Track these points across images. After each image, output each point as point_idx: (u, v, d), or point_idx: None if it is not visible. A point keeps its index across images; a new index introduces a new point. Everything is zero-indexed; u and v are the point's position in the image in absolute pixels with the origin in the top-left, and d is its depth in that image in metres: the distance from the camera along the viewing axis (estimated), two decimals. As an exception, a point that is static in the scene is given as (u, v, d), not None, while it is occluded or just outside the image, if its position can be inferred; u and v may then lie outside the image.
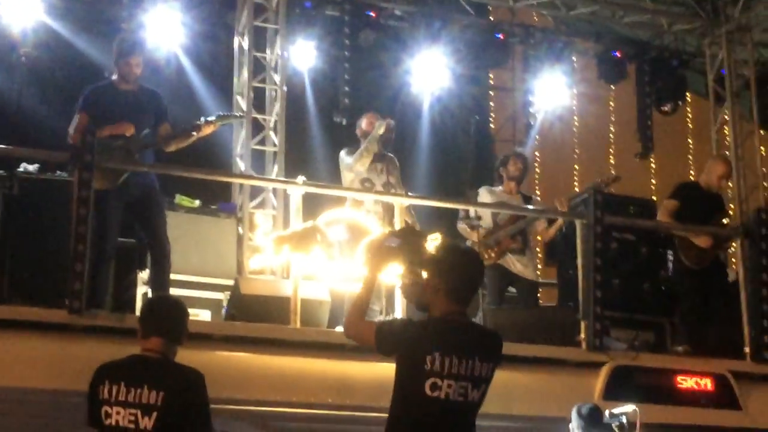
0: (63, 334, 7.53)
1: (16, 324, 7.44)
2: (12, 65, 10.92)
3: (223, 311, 9.06)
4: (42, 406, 7.21)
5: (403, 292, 5.41)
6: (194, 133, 8.53)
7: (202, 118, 8.62)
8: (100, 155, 8.02)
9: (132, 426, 5.10)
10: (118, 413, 5.12)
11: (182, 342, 5.44)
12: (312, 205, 9.35)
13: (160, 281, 8.41)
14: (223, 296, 9.26)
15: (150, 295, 8.67)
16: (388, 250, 5.21)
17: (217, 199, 10.71)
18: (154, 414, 5.10)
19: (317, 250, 8.78)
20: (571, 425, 7.64)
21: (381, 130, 9.88)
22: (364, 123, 10.21)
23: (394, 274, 5.78)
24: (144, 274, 9.21)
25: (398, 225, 9.03)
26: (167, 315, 5.46)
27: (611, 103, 17.04)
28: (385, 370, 5.13)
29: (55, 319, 7.52)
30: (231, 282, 9.40)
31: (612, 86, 15.06)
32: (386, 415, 4.95)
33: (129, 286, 9.28)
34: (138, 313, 8.93)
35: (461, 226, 10.24)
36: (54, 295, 8.12)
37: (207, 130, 8.57)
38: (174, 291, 8.65)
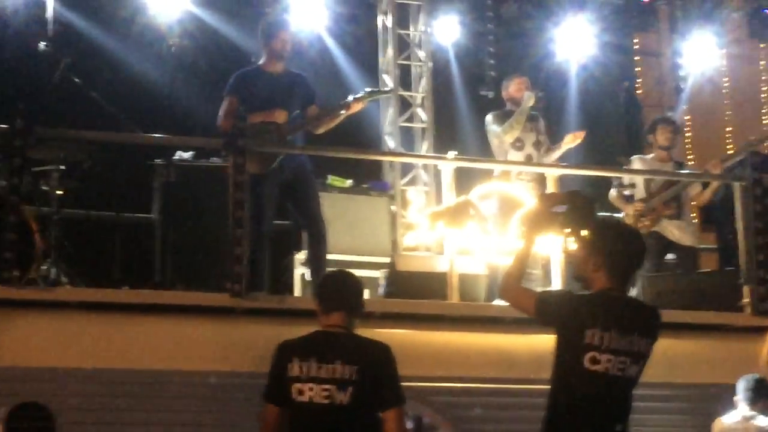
0: (225, 318, 7.62)
1: (179, 309, 7.56)
2: (161, 56, 11.15)
3: (380, 289, 9.09)
4: (208, 388, 7.32)
5: (570, 261, 5.34)
6: (343, 111, 8.51)
7: (351, 96, 8.61)
8: (253, 140, 8.08)
9: (327, 401, 5.13)
10: (311, 389, 5.15)
11: (361, 315, 5.46)
12: (463, 179, 9.30)
13: (317, 262, 8.45)
14: (379, 274, 9.28)
15: (308, 276, 8.74)
16: (552, 216, 5.13)
17: (369, 177, 10.75)
18: (350, 389, 5.12)
19: (471, 225, 8.73)
20: (735, 398, 7.50)
21: (530, 103, 9.78)
22: (511, 87, 10.08)
23: (552, 243, 5.74)
24: (301, 256, 9.29)
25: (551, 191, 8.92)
26: (348, 289, 5.48)
27: (761, 62, 16.55)
28: (545, 342, 5.09)
29: (218, 303, 7.61)
30: (386, 260, 9.42)
31: (762, 45, 14.63)
32: (546, 387, 4.95)
33: (287, 268, 9.40)
34: (297, 294, 9.21)
35: (613, 195, 10.07)
36: (214, 280, 8.26)
37: (356, 107, 8.55)
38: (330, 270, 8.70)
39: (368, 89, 8.87)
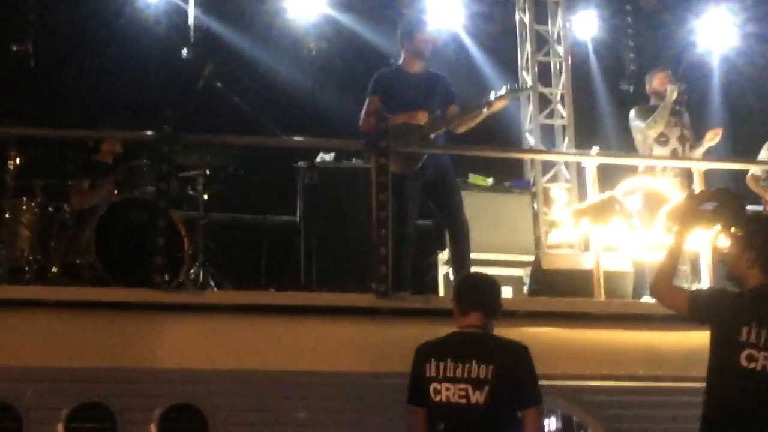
0: (371, 318, 7.63)
1: (325, 310, 7.59)
2: (301, 59, 11.25)
3: (525, 287, 9.02)
4: (355, 388, 7.34)
5: (721, 259, 5.24)
6: (485, 110, 8.45)
7: (492, 94, 8.54)
8: (395, 140, 8.06)
9: (463, 401, 5.17)
10: (447, 389, 5.20)
11: (498, 317, 5.47)
12: (606, 174, 9.17)
13: (460, 261, 8.40)
14: (522, 272, 9.23)
15: (451, 275, 8.72)
16: (701, 214, 5.06)
17: (510, 176, 10.70)
18: (486, 388, 5.14)
19: (616, 221, 8.61)
20: None
21: (674, 96, 9.61)
22: (654, 81, 9.94)
23: (701, 239, 5.61)
24: (444, 255, 9.28)
25: (697, 188, 8.74)
26: (484, 290, 5.51)
27: None
28: (695, 338, 5.03)
29: (363, 304, 7.62)
30: (529, 258, 9.35)
31: None
32: (698, 384, 4.92)
33: (430, 268, 9.40)
34: (441, 293, 9.19)
35: (750, 182, 9.86)
36: (358, 280, 8.29)
37: (497, 106, 8.47)
38: (474, 269, 8.66)
39: (508, 87, 8.77)
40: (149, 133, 7.70)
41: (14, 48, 10.14)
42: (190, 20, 11.03)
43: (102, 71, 11.60)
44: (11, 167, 8.33)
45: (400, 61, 8.79)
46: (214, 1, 11.88)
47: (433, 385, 5.24)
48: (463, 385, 5.16)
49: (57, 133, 8.36)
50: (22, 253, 8.06)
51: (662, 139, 9.69)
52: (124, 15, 11.75)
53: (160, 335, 7.25)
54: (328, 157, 9.61)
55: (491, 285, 5.58)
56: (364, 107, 8.53)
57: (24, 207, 8.28)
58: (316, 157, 9.57)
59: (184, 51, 9.59)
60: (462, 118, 8.51)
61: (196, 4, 11.18)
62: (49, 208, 8.47)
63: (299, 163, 9.52)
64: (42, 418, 6.77)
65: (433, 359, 5.28)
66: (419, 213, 8.58)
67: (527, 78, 11.63)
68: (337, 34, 12.16)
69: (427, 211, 8.81)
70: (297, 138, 8.96)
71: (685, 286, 8.25)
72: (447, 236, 8.74)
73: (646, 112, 9.76)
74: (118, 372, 6.99)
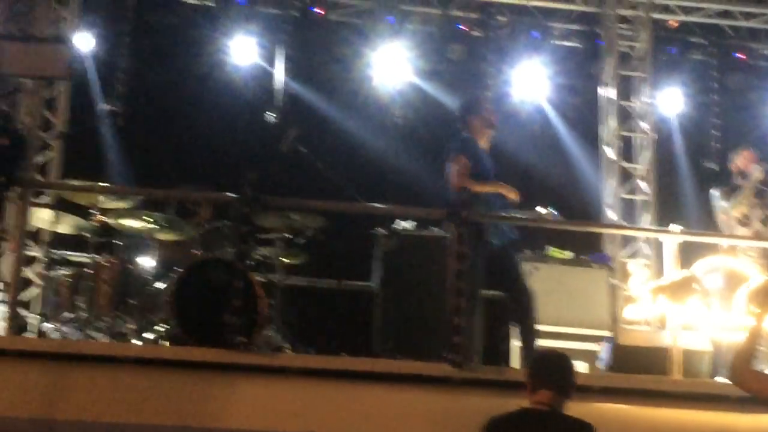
0: (443, 388, 7.60)
1: (397, 378, 7.58)
2: (386, 127, 11.37)
3: (600, 362, 8.94)
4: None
5: None
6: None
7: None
8: (475, 210, 8.00)
9: None
10: None
11: (570, 395, 5.43)
12: (686, 252, 9.09)
13: (526, 333, 8.34)
14: (597, 347, 9.14)
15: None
16: None
17: (589, 249, 10.63)
18: None
19: (694, 299, 8.52)
20: None
21: (758, 176, 9.53)
22: (739, 160, 9.87)
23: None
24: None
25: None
26: (555, 368, 5.49)
27: None
28: (771, 422, 4.93)
29: (437, 373, 7.60)
30: (605, 333, 9.26)
31: None
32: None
33: (503, 339, 9.34)
34: (515, 365, 9.14)
35: None
36: (431, 350, 8.26)
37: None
38: (548, 342, 8.61)
39: None
40: (231, 194, 7.79)
41: (106, 107, 10.37)
42: (277, 84, 11.16)
43: (188, 134, 11.80)
44: (96, 224, 8.52)
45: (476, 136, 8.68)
46: (302, 67, 12.03)
47: None
48: None
49: (141, 190, 8.51)
50: (101, 309, 8.19)
51: (744, 220, 9.60)
52: (213, 78, 11.94)
53: (233, 396, 7.29)
54: (407, 224, 9.62)
55: (564, 364, 5.56)
56: (456, 167, 8.35)
57: (105, 263, 8.44)
58: (393, 223, 9.59)
59: (268, 115, 9.70)
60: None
61: (284, 70, 11.32)
62: (129, 265, 8.62)
63: (377, 230, 9.55)
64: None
65: None
66: (491, 283, 8.53)
67: (609, 152, 11.61)
68: (422, 103, 12.24)
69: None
70: (377, 204, 9.00)
71: (766, 369, 8.13)
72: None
73: (729, 192, 9.68)
74: (189, 431, 7.04)
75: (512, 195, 8.30)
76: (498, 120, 8.70)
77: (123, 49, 11.77)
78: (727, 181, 9.96)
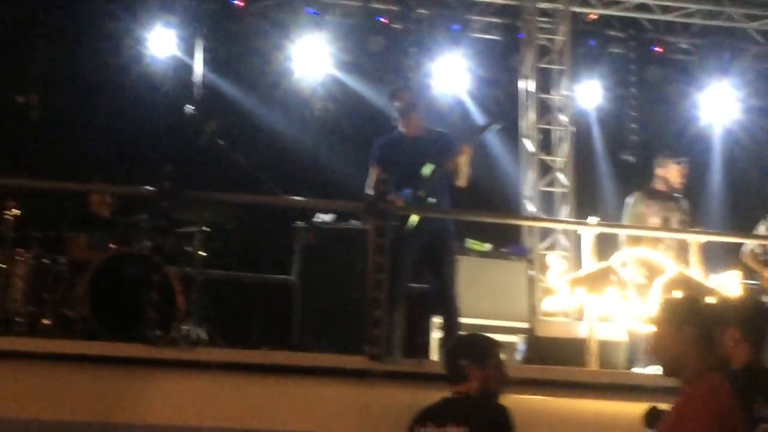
0: (362, 381, 7.60)
1: (316, 371, 7.57)
2: (305, 119, 11.33)
3: (517, 354, 9.00)
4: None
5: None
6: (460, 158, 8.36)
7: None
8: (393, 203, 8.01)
9: None
10: None
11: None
12: (603, 244, 9.17)
13: (447, 327, 8.37)
14: (516, 339, 9.20)
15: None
16: None
17: (507, 242, 10.69)
18: None
19: (612, 291, 8.61)
20: None
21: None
22: (669, 172, 9.59)
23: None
24: (438, 319, 9.24)
25: (693, 260, 8.79)
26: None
27: None
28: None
29: (355, 366, 7.60)
30: (523, 325, 9.33)
31: None
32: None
33: (423, 332, 9.35)
34: (433, 357, 9.16)
35: (748, 258, 9.85)
36: (351, 342, 8.27)
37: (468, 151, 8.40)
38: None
39: (477, 126, 8.66)
40: (149, 188, 7.72)
41: (19, 99, 10.22)
42: (196, 77, 11.07)
43: (105, 125, 11.65)
44: (9, 218, 8.39)
45: (400, 125, 8.74)
46: (222, 60, 11.95)
47: None
48: None
49: (52, 185, 8.41)
50: (15, 304, 8.07)
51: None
52: (131, 69, 11.80)
53: (150, 391, 7.24)
54: (327, 217, 9.60)
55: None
56: (370, 180, 8.38)
57: (19, 258, 8.30)
58: (314, 216, 9.57)
59: (187, 107, 9.62)
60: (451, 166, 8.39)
61: (203, 62, 11.24)
62: (45, 260, 8.49)
63: (297, 223, 9.51)
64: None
65: (417, 426, 5.33)
66: (414, 276, 8.55)
67: (529, 144, 11.68)
68: (343, 96, 12.22)
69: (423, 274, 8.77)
70: (296, 198, 8.97)
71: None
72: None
73: (648, 200, 9.59)
74: (107, 427, 6.97)
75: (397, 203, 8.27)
76: (416, 124, 8.66)
77: (38, 40, 11.59)
78: (644, 177, 9.93)
